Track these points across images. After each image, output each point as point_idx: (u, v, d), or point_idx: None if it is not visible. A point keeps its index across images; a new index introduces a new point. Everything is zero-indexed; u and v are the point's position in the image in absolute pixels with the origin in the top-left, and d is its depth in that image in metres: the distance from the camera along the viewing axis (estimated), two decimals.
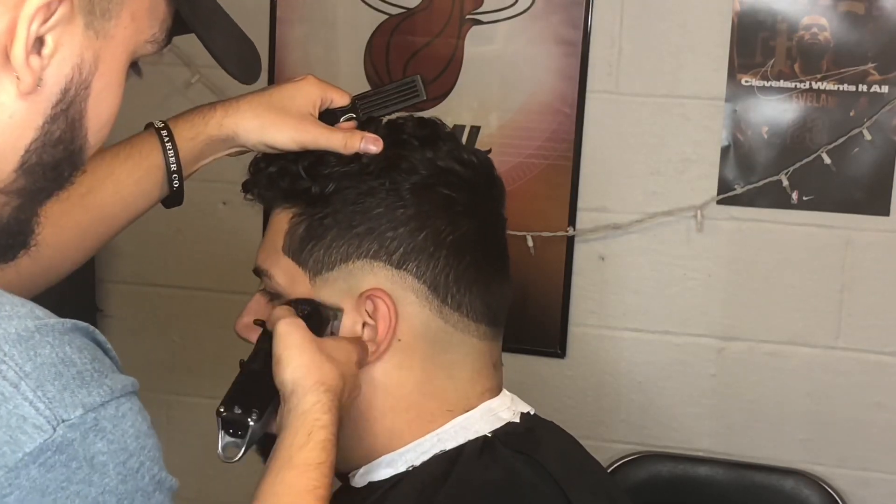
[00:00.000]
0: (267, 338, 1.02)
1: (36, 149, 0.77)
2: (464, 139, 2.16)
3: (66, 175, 0.81)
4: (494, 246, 1.12)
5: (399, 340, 1.04)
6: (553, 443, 1.09)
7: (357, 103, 1.14)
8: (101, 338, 0.76)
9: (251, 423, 0.98)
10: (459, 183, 1.06)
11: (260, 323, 1.07)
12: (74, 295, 2.36)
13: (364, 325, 1.03)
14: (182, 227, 2.29)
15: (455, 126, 2.16)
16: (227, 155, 1.15)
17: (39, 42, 0.74)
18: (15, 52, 0.73)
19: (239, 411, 0.98)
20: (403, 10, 2.18)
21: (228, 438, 0.98)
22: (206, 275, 2.33)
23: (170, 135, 1.11)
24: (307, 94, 1.12)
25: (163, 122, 1.13)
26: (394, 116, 1.16)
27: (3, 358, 0.68)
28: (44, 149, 0.78)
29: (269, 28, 2.21)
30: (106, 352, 0.76)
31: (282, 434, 0.96)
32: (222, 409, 0.98)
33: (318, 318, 1.03)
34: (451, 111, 2.16)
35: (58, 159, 0.79)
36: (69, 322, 0.73)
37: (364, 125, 1.12)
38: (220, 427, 0.98)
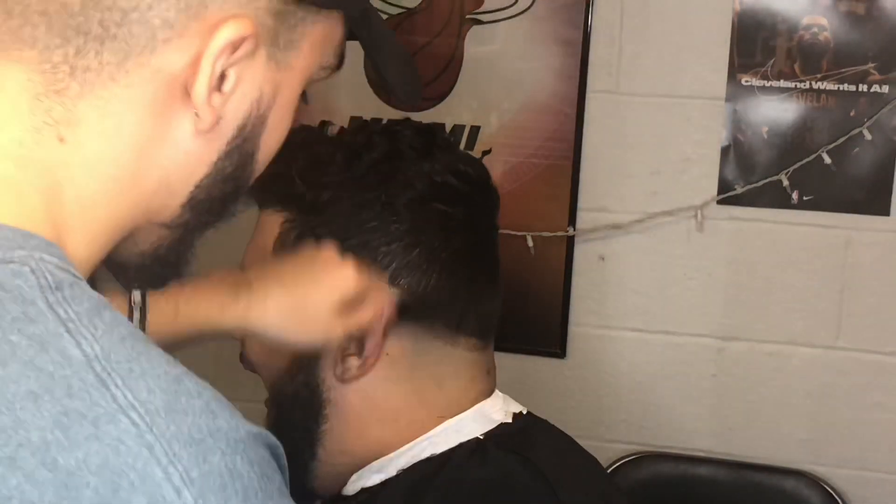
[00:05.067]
0: None
1: (206, 185, 0.74)
2: (464, 139, 2.16)
3: (229, 208, 0.78)
4: (487, 258, 1.10)
5: (387, 354, 1.03)
6: (547, 442, 1.08)
7: None
8: (277, 447, 0.70)
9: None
10: (455, 198, 1.05)
11: None
12: None
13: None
14: None
15: (455, 126, 2.16)
16: None
17: (221, 77, 0.70)
18: (197, 89, 0.69)
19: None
20: (403, 10, 2.18)
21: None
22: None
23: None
24: None
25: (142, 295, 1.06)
26: (393, 119, 1.14)
27: (172, 459, 0.63)
28: (213, 184, 0.74)
29: None
30: (280, 465, 0.70)
31: None
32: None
33: None
34: (451, 111, 2.16)
35: (226, 194, 0.76)
36: (244, 428, 0.67)
37: (361, 128, 1.10)
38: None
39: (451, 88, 2.17)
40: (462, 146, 2.16)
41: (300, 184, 1.05)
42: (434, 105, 2.15)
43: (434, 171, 1.05)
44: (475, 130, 2.17)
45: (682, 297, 2.17)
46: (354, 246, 1.02)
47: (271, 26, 0.72)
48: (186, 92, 0.69)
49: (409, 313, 1.02)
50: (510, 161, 2.17)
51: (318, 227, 1.03)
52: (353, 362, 1.02)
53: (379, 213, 1.03)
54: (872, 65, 2.03)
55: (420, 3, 2.17)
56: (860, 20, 2.03)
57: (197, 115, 0.70)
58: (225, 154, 0.73)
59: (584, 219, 2.17)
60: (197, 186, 0.73)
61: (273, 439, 0.69)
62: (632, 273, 2.18)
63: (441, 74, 2.17)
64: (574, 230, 2.17)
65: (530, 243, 2.15)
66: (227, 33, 0.68)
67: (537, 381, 2.21)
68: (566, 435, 1.13)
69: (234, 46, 0.69)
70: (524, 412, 1.10)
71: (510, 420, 1.07)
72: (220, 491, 0.64)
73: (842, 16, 2.03)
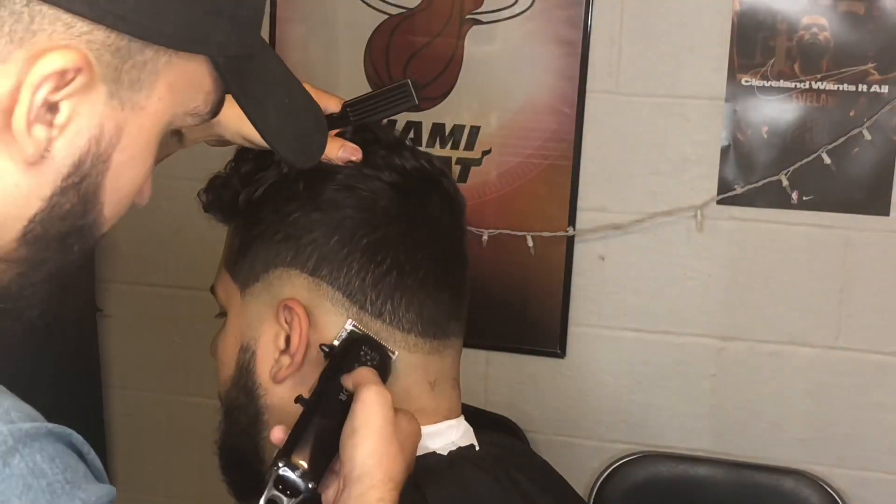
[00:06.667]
0: (335, 385, 0.95)
1: (41, 220, 0.71)
2: (464, 139, 2.16)
3: (74, 249, 0.75)
4: (430, 253, 1.02)
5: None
6: (467, 485, 1.01)
7: (348, 110, 1.09)
8: (79, 441, 0.70)
9: (304, 491, 0.91)
10: (382, 187, 1.00)
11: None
12: (74, 295, 2.36)
13: (287, 336, 0.99)
14: (182, 227, 2.29)
15: (455, 126, 2.16)
16: (208, 143, 1.09)
17: (52, 109, 0.68)
18: (16, 119, 0.67)
19: (299, 473, 0.91)
20: (403, 10, 2.18)
21: (275, 492, 0.90)
22: (206, 275, 2.32)
23: None
24: None
25: None
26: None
27: None
28: (50, 221, 0.71)
29: (269, 28, 2.21)
30: (83, 457, 0.70)
31: None
32: (282, 465, 0.90)
33: (384, 369, 0.98)
34: (451, 111, 2.16)
35: (65, 233, 0.73)
36: (43, 427, 0.67)
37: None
38: (271, 479, 0.91)
39: (451, 88, 2.17)
40: (462, 146, 2.16)
41: (240, 188, 1.02)
42: (434, 105, 2.15)
43: (366, 161, 1.00)
44: (475, 130, 2.18)
45: (681, 297, 2.17)
46: (281, 240, 0.99)
47: (110, 62, 0.69)
48: (9, 123, 0.67)
49: (334, 305, 0.98)
50: (510, 161, 2.17)
51: (252, 227, 1.01)
52: (285, 360, 0.99)
53: (301, 204, 0.99)
54: (872, 65, 2.03)
55: (420, 3, 2.17)
56: (860, 20, 2.03)
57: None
58: (60, 190, 0.71)
59: (584, 219, 2.17)
60: (31, 221, 0.71)
61: (66, 431, 0.69)
62: (632, 273, 2.18)
63: (441, 74, 2.17)
64: (574, 230, 2.17)
65: (530, 243, 2.15)
66: (48, 63, 0.66)
67: (537, 381, 2.20)
68: (541, 473, 1.07)
69: (62, 78, 0.67)
70: (475, 445, 1.04)
71: (444, 453, 1.01)
72: (25, 493, 0.64)
73: (842, 16, 2.03)
